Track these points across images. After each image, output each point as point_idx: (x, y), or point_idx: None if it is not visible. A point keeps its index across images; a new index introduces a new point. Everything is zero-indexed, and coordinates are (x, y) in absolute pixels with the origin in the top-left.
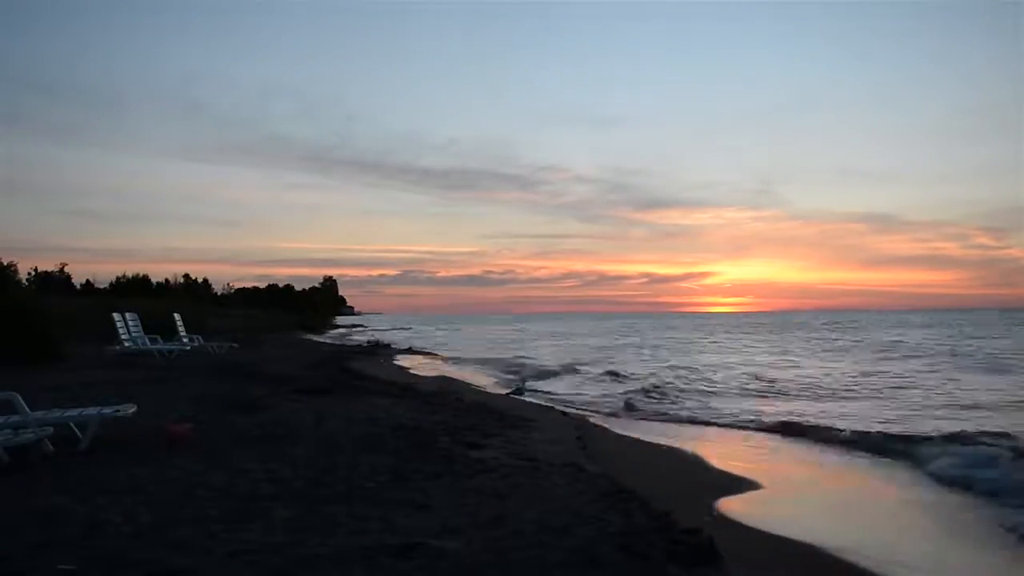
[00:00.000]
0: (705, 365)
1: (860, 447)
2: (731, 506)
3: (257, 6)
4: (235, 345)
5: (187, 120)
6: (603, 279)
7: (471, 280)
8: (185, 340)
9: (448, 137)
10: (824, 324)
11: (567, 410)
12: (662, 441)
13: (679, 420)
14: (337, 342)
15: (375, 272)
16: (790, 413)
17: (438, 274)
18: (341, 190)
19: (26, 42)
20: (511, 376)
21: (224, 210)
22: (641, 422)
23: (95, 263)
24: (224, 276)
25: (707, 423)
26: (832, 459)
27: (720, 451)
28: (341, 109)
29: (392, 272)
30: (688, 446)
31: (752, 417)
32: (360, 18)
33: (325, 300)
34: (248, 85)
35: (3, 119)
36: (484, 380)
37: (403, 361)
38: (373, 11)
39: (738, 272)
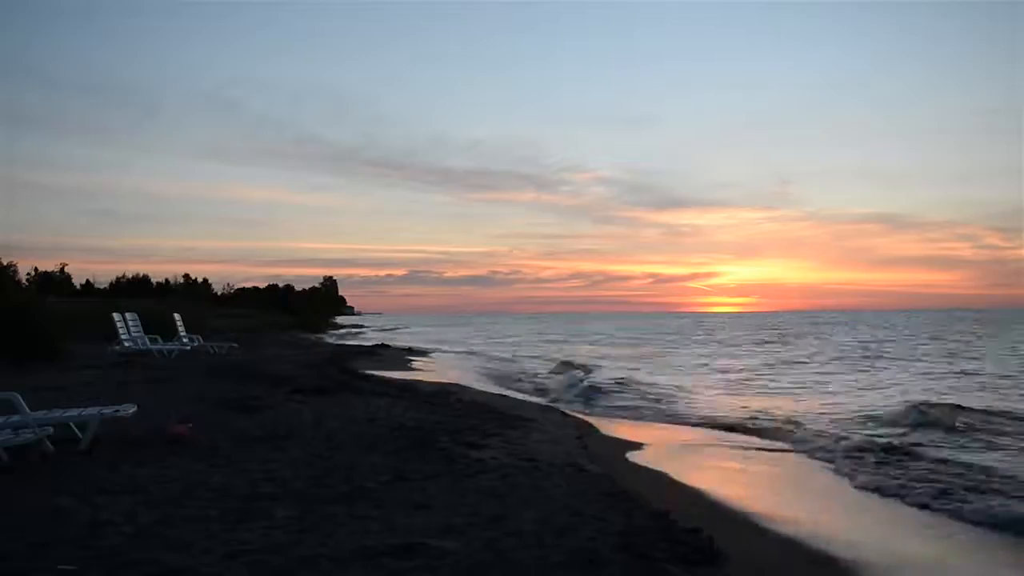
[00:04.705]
0: None
1: None
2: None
3: (292, 10)
4: (235, 345)
5: (220, 121)
6: (608, 279)
7: (477, 280)
8: (185, 340)
9: (473, 138)
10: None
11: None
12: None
13: None
14: (336, 342)
15: (383, 272)
16: None
17: (445, 274)
18: (363, 191)
19: (64, 45)
20: None
21: (246, 211)
22: None
23: (99, 263)
24: (237, 276)
25: None
26: None
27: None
28: (370, 110)
29: (400, 272)
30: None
31: None
32: (391, 20)
33: (325, 300)
34: (281, 87)
35: (40, 121)
36: None
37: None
38: (403, 13)
39: (747, 272)
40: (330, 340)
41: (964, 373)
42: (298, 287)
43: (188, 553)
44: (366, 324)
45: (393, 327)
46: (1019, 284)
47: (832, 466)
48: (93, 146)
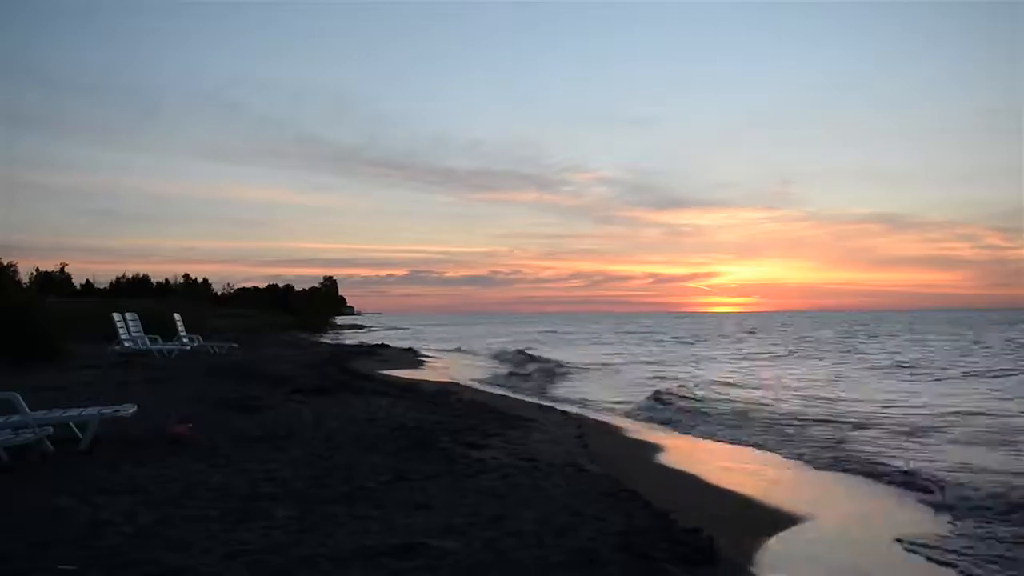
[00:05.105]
0: None
1: None
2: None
3: (292, 10)
4: (235, 345)
5: (221, 122)
6: (608, 279)
7: (477, 280)
8: (185, 340)
9: (474, 138)
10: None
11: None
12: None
13: None
14: (335, 342)
15: (383, 272)
16: None
17: (445, 274)
18: (363, 191)
19: (64, 45)
20: None
21: (246, 211)
22: None
23: (99, 263)
24: (237, 276)
25: None
26: None
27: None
28: (371, 110)
29: (400, 272)
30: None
31: None
32: (391, 20)
33: (325, 300)
34: (282, 87)
35: (44, 121)
36: None
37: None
38: (403, 13)
39: (747, 272)
40: (330, 340)
41: None
42: (298, 287)
43: (188, 553)
44: (366, 324)
45: (393, 327)
46: (1020, 284)
47: None
48: (93, 146)
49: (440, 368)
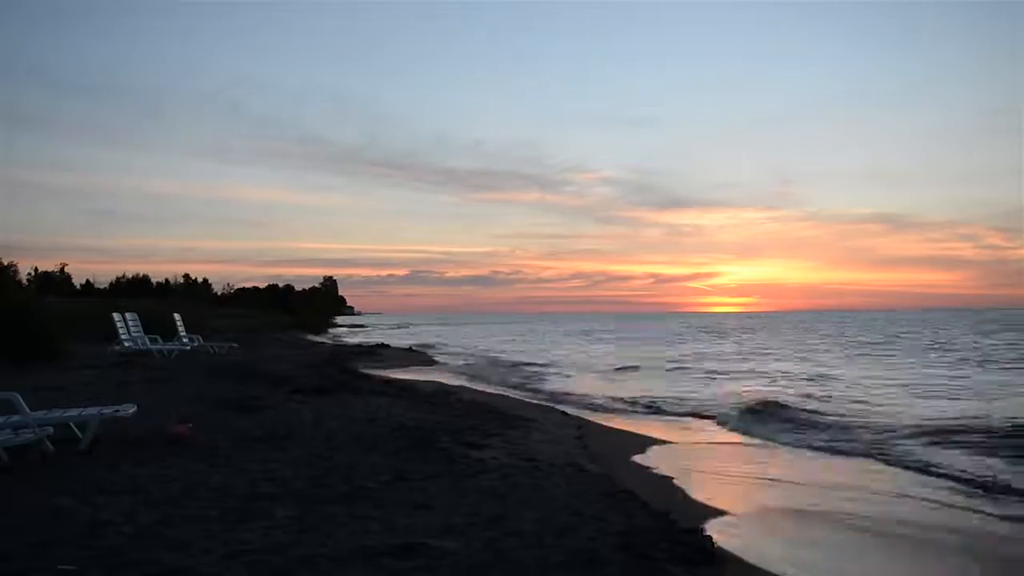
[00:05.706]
0: None
1: None
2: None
3: (293, 11)
4: (235, 345)
5: (222, 122)
6: (609, 279)
7: (477, 280)
8: (185, 340)
9: (475, 138)
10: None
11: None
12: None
13: None
14: (335, 342)
15: (384, 272)
16: None
17: (446, 274)
18: (365, 191)
19: (64, 45)
20: None
21: (246, 211)
22: None
23: (98, 263)
24: (237, 276)
25: None
26: None
27: None
28: (372, 110)
29: (401, 272)
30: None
31: None
32: (391, 20)
33: (325, 300)
34: (284, 87)
35: (44, 121)
36: None
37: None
38: (404, 13)
39: (748, 272)
40: (330, 340)
41: None
42: (298, 287)
43: (188, 553)
44: (367, 324)
45: (394, 327)
46: (1021, 284)
47: None
48: (93, 146)
49: (440, 367)
